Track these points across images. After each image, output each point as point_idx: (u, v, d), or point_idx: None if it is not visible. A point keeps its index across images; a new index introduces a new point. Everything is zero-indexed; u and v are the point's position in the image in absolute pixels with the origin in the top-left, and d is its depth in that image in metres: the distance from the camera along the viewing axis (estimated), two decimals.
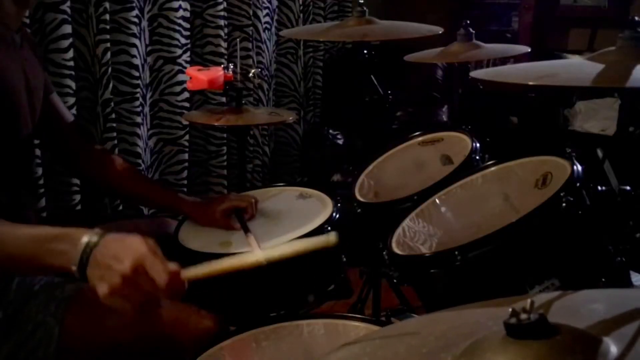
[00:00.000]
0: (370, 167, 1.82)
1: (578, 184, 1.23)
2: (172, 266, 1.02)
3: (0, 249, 1.05)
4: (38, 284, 1.19)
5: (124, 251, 1.00)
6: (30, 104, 1.32)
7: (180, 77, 2.44)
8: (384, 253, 1.39)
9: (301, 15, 3.22)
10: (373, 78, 2.08)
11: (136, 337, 1.19)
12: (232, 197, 1.56)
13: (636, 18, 1.15)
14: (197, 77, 1.97)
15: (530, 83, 1.26)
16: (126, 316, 1.02)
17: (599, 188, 1.36)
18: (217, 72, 1.96)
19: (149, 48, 2.37)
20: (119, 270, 0.98)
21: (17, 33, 1.31)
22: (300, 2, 3.20)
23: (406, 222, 1.46)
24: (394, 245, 1.38)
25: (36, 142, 1.62)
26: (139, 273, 0.98)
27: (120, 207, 2.23)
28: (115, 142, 2.18)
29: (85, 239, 1.02)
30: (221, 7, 2.63)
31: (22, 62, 1.31)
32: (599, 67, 1.12)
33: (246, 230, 1.45)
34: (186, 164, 2.57)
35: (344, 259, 1.48)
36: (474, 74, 1.19)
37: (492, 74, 1.27)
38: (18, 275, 1.21)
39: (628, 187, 1.41)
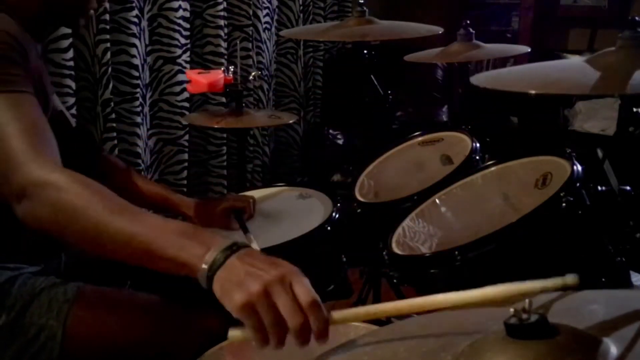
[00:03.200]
0: (370, 167, 1.82)
1: (578, 184, 1.23)
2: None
3: (123, 227, 0.94)
4: (39, 287, 1.18)
5: (272, 262, 0.90)
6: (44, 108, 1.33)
7: (180, 77, 2.45)
8: (384, 253, 1.39)
9: (301, 15, 3.22)
10: (373, 78, 2.08)
11: (139, 338, 1.19)
12: (230, 197, 1.57)
13: (636, 18, 1.15)
14: (198, 80, 1.97)
15: (532, 92, 1.25)
16: (258, 340, 0.86)
17: (599, 188, 1.36)
18: (217, 75, 1.96)
19: (148, 48, 2.38)
20: (262, 277, 0.86)
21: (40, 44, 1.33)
22: (300, 2, 3.20)
23: (406, 222, 1.46)
24: (394, 245, 1.38)
25: None
26: (284, 283, 0.87)
27: None
28: (115, 142, 2.18)
29: (226, 242, 0.92)
30: (221, 7, 2.63)
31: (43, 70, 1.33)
32: (599, 67, 1.12)
33: (245, 230, 1.45)
34: (186, 164, 2.57)
35: (344, 259, 1.48)
36: (474, 80, 1.18)
37: (492, 81, 1.25)
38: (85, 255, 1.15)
39: (628, 187, 1.41)
